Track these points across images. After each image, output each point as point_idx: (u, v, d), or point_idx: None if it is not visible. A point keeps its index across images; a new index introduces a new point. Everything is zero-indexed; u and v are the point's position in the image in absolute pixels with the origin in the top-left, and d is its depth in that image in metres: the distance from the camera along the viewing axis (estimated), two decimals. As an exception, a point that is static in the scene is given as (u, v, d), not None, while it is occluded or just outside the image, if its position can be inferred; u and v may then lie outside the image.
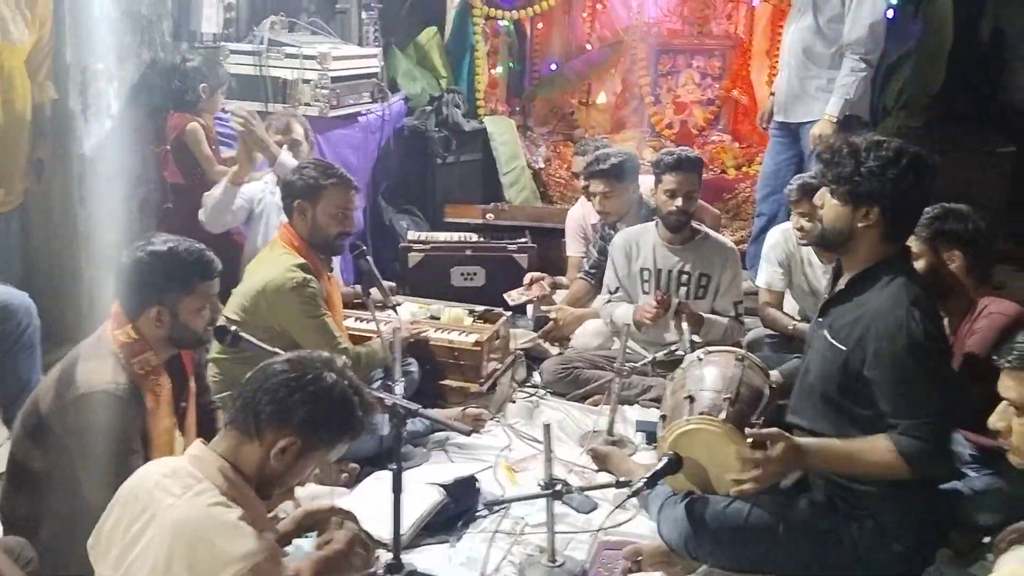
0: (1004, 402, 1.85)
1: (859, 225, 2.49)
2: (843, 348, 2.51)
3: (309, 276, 3.20)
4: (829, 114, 4.60)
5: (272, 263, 3.25)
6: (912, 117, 5.40)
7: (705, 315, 3.84)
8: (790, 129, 4.92)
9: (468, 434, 2.38)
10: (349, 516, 2.13)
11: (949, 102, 5.68)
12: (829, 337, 2.57)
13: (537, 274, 4.72)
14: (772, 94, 5.15)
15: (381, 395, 2.37)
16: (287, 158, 3.74)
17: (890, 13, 5.28)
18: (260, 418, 1.87)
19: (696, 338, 3.72)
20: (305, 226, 3.28)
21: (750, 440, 2.48)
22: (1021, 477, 2.70)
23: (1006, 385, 1.83)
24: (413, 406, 2.28)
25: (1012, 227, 5.11)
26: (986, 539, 2.67)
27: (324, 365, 1.95)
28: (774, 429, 2.51)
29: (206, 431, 2.67)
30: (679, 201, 3.81)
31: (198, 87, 4.15)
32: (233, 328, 2.59)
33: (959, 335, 2.96)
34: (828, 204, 2.55)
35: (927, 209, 3.03)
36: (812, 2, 4.71)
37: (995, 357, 1.85)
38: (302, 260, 3.23)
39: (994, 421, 1.86)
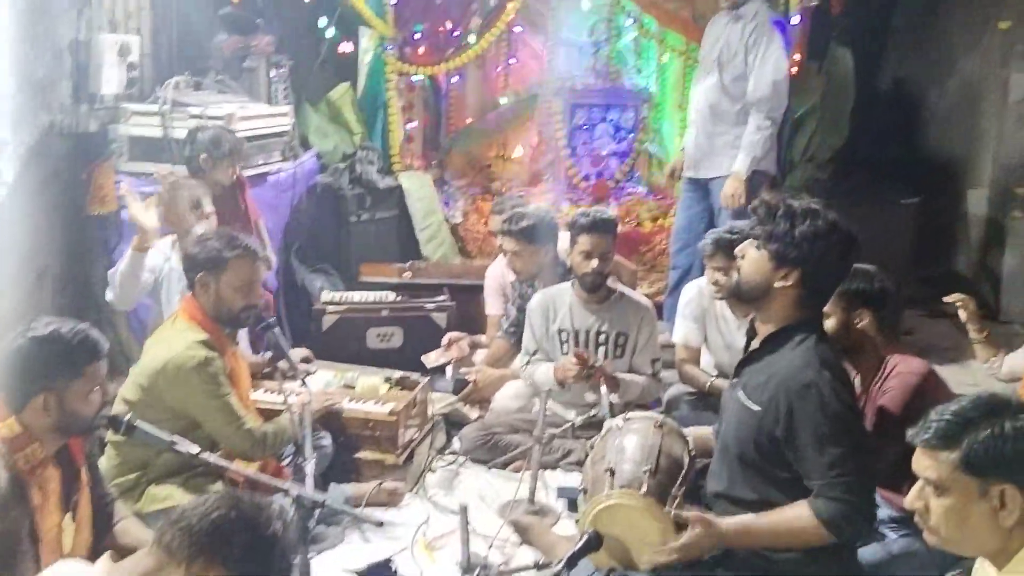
0: (920, 481, 1.79)
1: (777, 284, 2.50)
2: (757, 409, 2.51)
3: (212, 353, 3.06)
4: (737, 172, 4.68)
5: (173, 339, 3.10)
6: (819, 170, 5.55)
7: (622, 376, 3.82)
8: (700, 184, 4.98)
9: (379, 525, 2.27)
10: None
11: (854, 154, 5.86)
12: (743, 398, 2.57)
13: (456, 334, 4.65)
14: (683, 149, 5.22)
15: (284, 486, 2.25)
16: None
17: (794, 70, 5.44)
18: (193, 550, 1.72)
19: (615, 398, 3.70)
20: (208, 300, 3.14)
21: (672, 515, 2.45)
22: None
23: (923, 464, 1.76)
24: (319, 497, 2.17)
25: (917, 274, 5.26)
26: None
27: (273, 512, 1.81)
28: (693, 513, 2.48)
29: (100, 523, 2.53)
30: (594, 263, 3.80)
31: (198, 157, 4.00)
32: (127, 416, 2.45)
33: (870, 394, 2.99)
34: (750, 257, 2.56)
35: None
36: (717, 61, 4.80)
37: (909, 432, 1.82)
38: (205, 335, 3.09)
39: (911, 501, 1.81)
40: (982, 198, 5.95)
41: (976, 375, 4.87)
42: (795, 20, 5.31)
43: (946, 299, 3.50)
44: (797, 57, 5.41)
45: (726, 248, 3.59)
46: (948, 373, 3.13)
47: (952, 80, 6.38)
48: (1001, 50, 5.75)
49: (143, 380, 3.04)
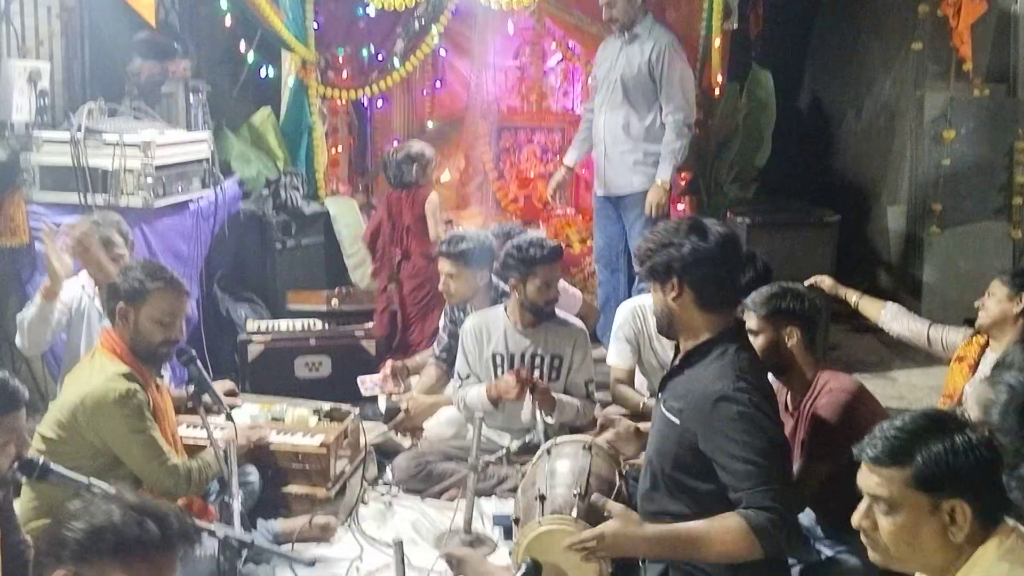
0: (867, 499, 1.75)
1: (671, 300, 2.54)
2: (677, 422, 2.51)
3: (134, 386, 2.94)
4: (662, 180, 4.84)
5: (92, 373, 2.97)
6: (743, 190, 5.63)
7: (558, 396, 3.79)
8: (611, 202, 5.09)
9: (311, 564, 2.19)
10: None
11: (777, 174, 5.96)
12: (665, 411, 2.57)
13: (398, 365, 4.56)
14: (568, 167, 5.33)
15: (210, 527, 2.16)
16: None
17: (716, 92, 5.53)
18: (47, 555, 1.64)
19: (550, 420, 3.67)
20: (127, 332, 3.02)
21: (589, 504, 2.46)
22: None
23: (872, 482, 1.72)
24: (247, 538, 2.09)
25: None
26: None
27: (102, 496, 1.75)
28: (618, 505, 2.47)
29: (16, 571, 2.39)
30: (553, 292, 3.80)
31: None
32: (40, 460, 2.33)
33: (801, 411, 3.01)
34: (653, 293, 2.62)
35: (764, 288, 3.11)
36: (619, 81, 4.91)
37: (854, 449, 1.80)
38: (126, 368, 2.97)
39: (858, 520, 1.76)
40: (901, 214, 6.11)
41: (902, 389, 4.98)
42: (716, 43, 5.40)
43: (806, 284, 3.63)
44: (719, 79, 5.50)
45: None
46: (874, 387, 3.20)
47: (869, 100, 6.56)
48: (915, 71, 5.92)
49: (62, 416, 2.91)
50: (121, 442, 2.92)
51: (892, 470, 1.69)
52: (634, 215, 4.94)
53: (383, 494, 3.82)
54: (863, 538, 1.79)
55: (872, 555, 1.78)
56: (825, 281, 3.75)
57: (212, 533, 2.13)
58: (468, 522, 3.41)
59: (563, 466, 2.75)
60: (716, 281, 2.57)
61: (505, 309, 3.95)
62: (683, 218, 2.62)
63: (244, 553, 2.24)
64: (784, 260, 4.53)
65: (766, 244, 4.83)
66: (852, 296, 3.67)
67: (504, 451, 3.53)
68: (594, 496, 2.46)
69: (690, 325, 2.55)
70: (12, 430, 2.21)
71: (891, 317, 3.52)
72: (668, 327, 2.62)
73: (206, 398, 3.10)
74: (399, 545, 2.49)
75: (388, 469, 3.97)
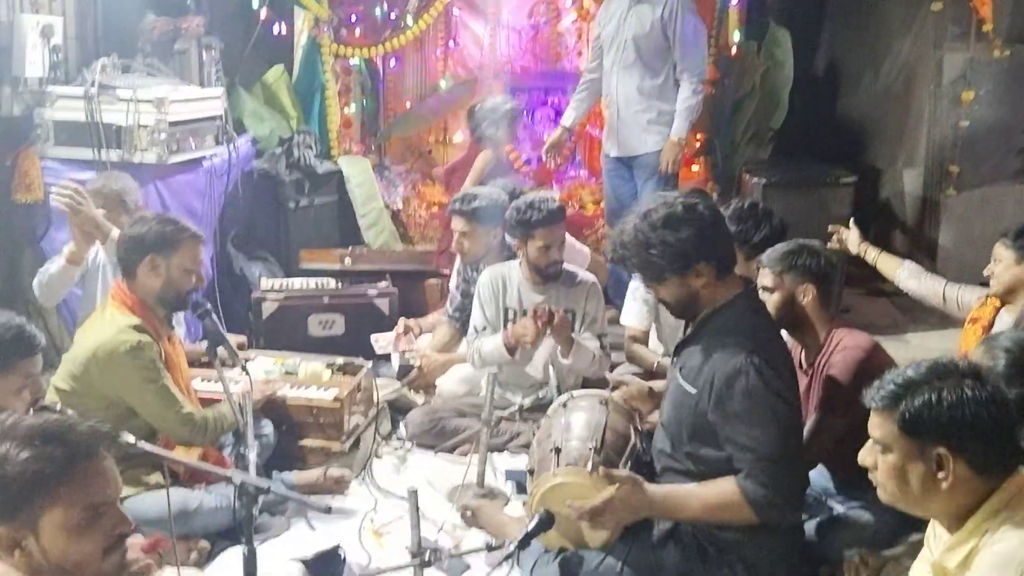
0: (872, 439, 1.84)
1: (699, 285, 2.51)
2: (693, 391, 2.52)
3: (145, 337, 2.97)
4: (678, 137, 4.84)
5: (104, 325, 3.00)
6: (759, 150, 5.59)
7: (575, 337, 3.78)
8: (623, 163, 5.07)
9: (326, 511, 2.21)
10: None
11: (792, 135, 5.91)
12: (680, 379, 2.57)
13: (410, 322, 4.57)
14: (565, 127, 5.32)
15: (227, 473, 2.18)
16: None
17: (733, 51, 5.47)
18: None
19: (566, 361, 3.66)
20: (157, 282, 3.05)
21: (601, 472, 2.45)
22: (884, 509, 2.76)
23: (872, 423, 1.82)
24: (264, 483, 2.10)
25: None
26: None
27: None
28: (624, 472, 2.48)
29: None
30: (554, 253, 3.78)
31: None
32: (58, 406, 2.35)
33: (815, 368, 3.00)
34: (655, 287, 2.58)
35: (780, 245, 3.09)
36: (632, 40, 4.86)
37: (864, 394, 1.85)
38: (137, 320, 3.00)
39: (863, 456, 1.86)
40: (917, 177, 6.06)
41: (915, 352, 4.97)
42: (733, 1, 5.34)
43: (829, 230, 3.71)
44: (736, 38, 5.43)
45: None
46: (888, 350, 3.17)
47: (887, 61, 6.47)
48: (935, 31, 5.84)
49: (75, 369, 2.94)
50: (135, 392, 2.95)
51: (884, 414, 1.78)
52: (647, 174, 4.92)
53: (396, 449, 3.84)
54: (870, 475, 1.85)
55: (878, 492, 1.86)
56: (852, 234, 3.71)
57: (229, 480, 2.15)
58: (481, 476, 3.43)
59: (579, 420, 2.75)
60: (727, 246, 2.58)
61: (520, 264, 3.94)
62: (670, 209, 2.48)
63: (261, 500, 2.25)
64: (799, 221, 4.49)
65: (781, 204, 4.77)
66: (871, 252, 3.65)
67: (517, 407, 3.53)
68: (601, 469, 2.47)
69: (710, 297, 2.54)
70: (28, 375, 2.24)
71: (907, 275, 3.50)
72: (692, 308, 2.57)
73: (221, 351, 3.12)
74: (414, 493, 2.51)
75: (401, 425, 3.99)
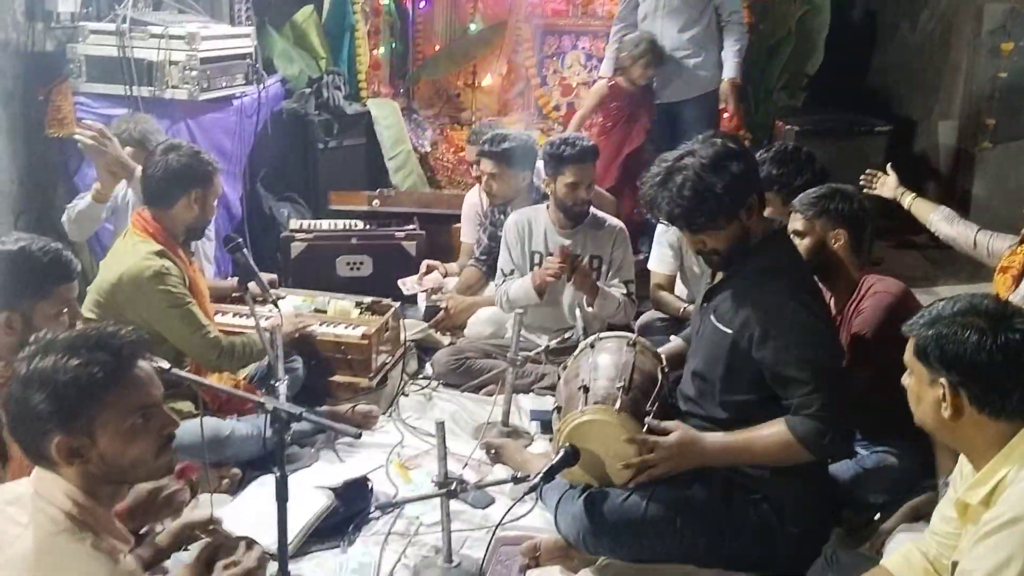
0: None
1: (750, 222, 2.48)
2: (729, 331, 2.51)
3: (169, 263, 3.03)
4: (733, 77, 5.00)
5: (127, 253, 3.06)
6: (793, 98, 5.53)
7: (601, 286, 3.78)
8: (666, 108, 5.14)
9: (356, 436, 2.25)
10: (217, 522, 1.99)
11: (827, 84, 5.82)
12: (715, 321, 2.56)
13: (433, 262, 4.60)
14: (601, 77, 5.35)
15: (260, 399, 2.21)
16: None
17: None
18: (36, 437, 1.62)
19: (591, 309, 3.67)
20: (191, 215, 3.14)
21: (646, 429, 2.46)
22: (910, 455, 2.78)
23: (907, 346, 1.92)
24: (296, 409, 2.13)
25: (887, 205, 5.28)
26: (877, 516, 2.71)
27: (34, 353, 1.66)
28: (673, 422, 2.49)
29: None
30: (582, 192, 3.76)
31: None
32: (95, 331, 2.38)
33: (845, 314, 2.99)
34: (707, 237, 2.51)
35: (812, 189, 3.06)
36: None
37: (903, 328, 1.92)
38: (159, 247, 3.06)
39: (905, 376, 1.96)
40: (952, 129, 5.95)
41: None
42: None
43: (867, 173, 3.71)
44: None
45: None
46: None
47: (926, 10, 6.33)
48: (975, -21, 5.71)
49: (101, 297, 3.00)
50: (161, 317, 3.00)
51: (911, 339, 1.89)
52: (693, 117, 4.98)
53: (423, 387, 3.88)
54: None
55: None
56: (890, 178, 3.66)
57: (262, 405, 2.18)
58: (506, 415, 3.47)
59: (606, 360, 2.76)
60: (754, 183, 2.53)
61: (547, 208, 3.93)
62: (698, 158, 2.41)
63: (292, 427, 2.29)
64: (832, 169, 4.44)
65: (814, 152, 4.74)
66: (907, 197, 3.60)
67: (544, 348, 3.55)
68: (652, 422, 2.48)
69: (755, 234, 2.51)
70: (66, 300, 2.27)
71: (940, 218, 3.46)
72: (741, 251, 2.51)
73: (252, 286, 3.16)
74: (441, 425, 2.55)
75: (428, 365, 4.03)
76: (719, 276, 2.63)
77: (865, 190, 3.63)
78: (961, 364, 1.79)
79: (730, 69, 5.00)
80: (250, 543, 1.86)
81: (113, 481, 1.66)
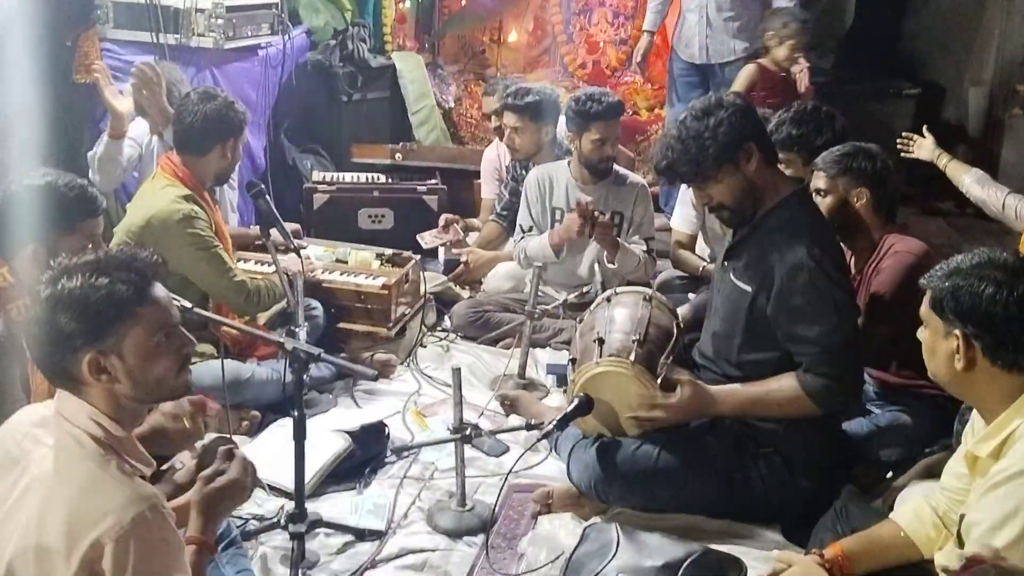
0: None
1: (751, 172, 2.49)
2: (749, 289, 2.53)
3: (196, 207, 3.07)
4: None
5: (155, 196, 3.09)
6: (822, 59, 5.46)
7: (621, 242, 3.78)
8: (701, 69, 5.05)
9: (374, 378, 2.28)
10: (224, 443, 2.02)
11: (858, 43, 5.74)
12: (735, 279, 2.57)
13: (452, 216, 4.62)
14: (648, 32, 5.34)
15: (280, 339, 2.25)
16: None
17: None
18: (64, 357, 1.65)
19: (611, 266, 3.68)
20: (224, 163, 3.20)
21: (659, 382, 2.49)
22: (924, 414, 2.79)
23: (923, 301, 1.94)
24: (315, 350, 2.17)
25: (913, 171, 5.24)
26: (889, 474, 2.73)
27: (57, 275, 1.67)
28: (684, 375, 2.51)
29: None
30: (608, 149, 3.76)
31: None
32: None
33: (864, 273, 2.97)
34: (711, 190, 2.54)
35: (835, 148, 3.04)
36: None
37: (922, 281, 1.94)
38: (187, 191, 3.09)
39: (919, 332, 1.98)
40: (982, 95, 5.87)
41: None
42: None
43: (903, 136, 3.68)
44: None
45: None
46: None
47: (959, -27, 6.23)
48: (1012, -58, 5.59)
49: (128, 238, 3.04)
50: (188, 260, 3.04)
51: (927, 292, 1.91)
52: (732, 79, 4.88)
53: (441, 339, 3.91)
54: None
55: None
56: (927, 140, 3.64)
57: (281, 345, 2.22)
58: (523, 367, 3.50)
59: (622, 313, 2.78)
60: (760, 130, 2.57)
61: (568, 164, 3.93)
62: (691, 110, 2.52)
63: (311, 369, 2.33)
64: (860, 132, 4.40)
65: (842, 113, 4.70)
66: (943, 159, 3.58)
67: (561, 302, 3.57)
68: (662, 375, 2.52)
69: (763, 192, 2.52)
70: (90, 236, 2.31)
71: (972, 180, 3.44)
72: (750, 203, 2.53)
73: (274, 233, 3.18)
74: (457, 371, 2.58)
75: (446, 317, 4.06)
76: (739, 235, 2.63)
77: (903, 154, 3.60)
78: (976, 315, 1.80)
79: None
80: (229, 452, 1.83)
81: (137, 400, 1.69)
